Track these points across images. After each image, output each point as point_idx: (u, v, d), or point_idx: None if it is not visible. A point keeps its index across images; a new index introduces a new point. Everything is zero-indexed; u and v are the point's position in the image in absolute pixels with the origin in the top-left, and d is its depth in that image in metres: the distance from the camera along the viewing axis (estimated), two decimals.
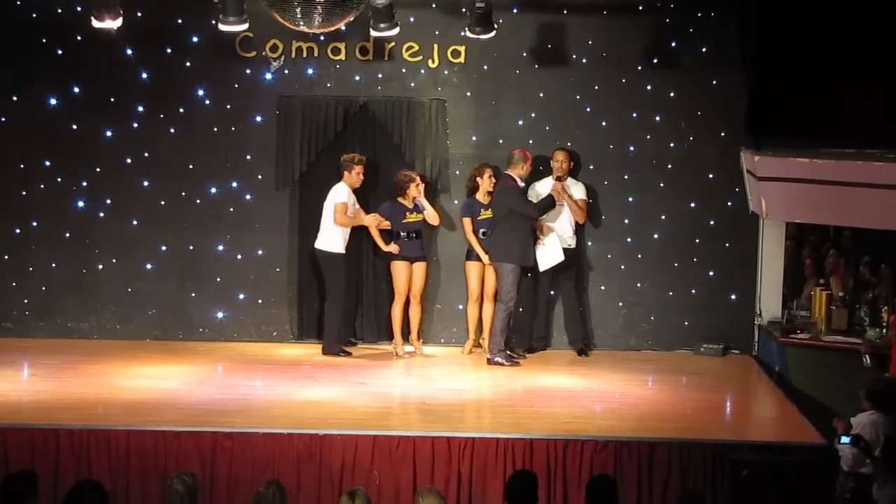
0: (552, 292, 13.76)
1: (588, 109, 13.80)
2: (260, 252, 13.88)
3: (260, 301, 13.94)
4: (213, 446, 10.48)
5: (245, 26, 12.71)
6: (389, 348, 13.59)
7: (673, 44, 13.69)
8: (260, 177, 13.81)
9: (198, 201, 13.81)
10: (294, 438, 10.51)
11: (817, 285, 13.74)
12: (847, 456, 9.59)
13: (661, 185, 13.79)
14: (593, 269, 13.93)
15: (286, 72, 13.70)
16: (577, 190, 13.57)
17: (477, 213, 13.39)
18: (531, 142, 13.73)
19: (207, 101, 13.74)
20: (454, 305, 13.74)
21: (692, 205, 13.84)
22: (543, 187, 13.50)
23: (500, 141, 13.83)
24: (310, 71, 13.72)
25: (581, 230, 13.75)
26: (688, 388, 12.55)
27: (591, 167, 13.83)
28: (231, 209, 13.84)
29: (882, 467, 9.31)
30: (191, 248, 13.86)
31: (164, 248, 13.84)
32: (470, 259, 13.47)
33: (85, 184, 13.76)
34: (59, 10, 13.46)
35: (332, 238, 13.14)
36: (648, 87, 13.76)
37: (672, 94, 13.75)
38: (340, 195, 13.10)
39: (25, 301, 13.84)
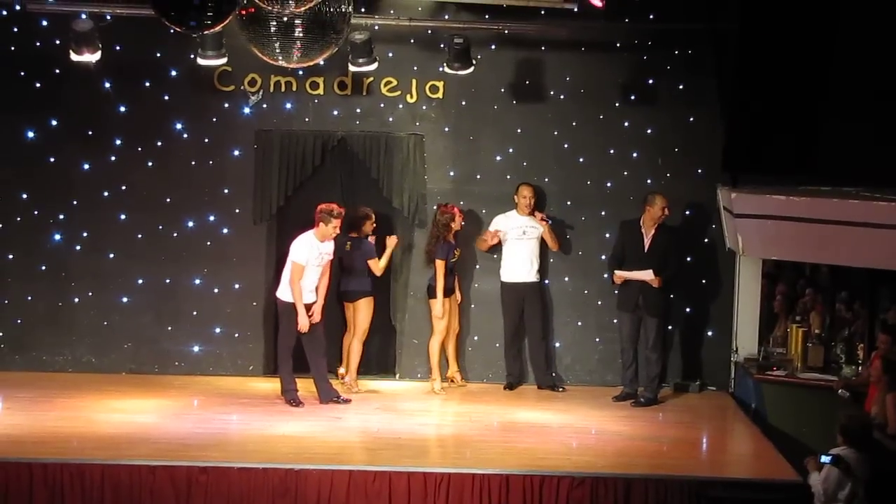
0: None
1: (566, 145, 13.85)
2: (237, 286, 13.85)
3: (236, 335, 13.91)
4: (188, 481, 10.44)
5: (223, 60, 12.81)
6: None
7: (650, 81, 13.76)
8: (237, 211, 13.80)
9: (175, 235, 13.78)
10: (269, 473, 10.48)
11: (794, 322, 13.77)
12: (819, 492, 9.61)
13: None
14: (570, 304, 13.94)
15: (264, 106, 13.72)
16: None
17: (452, 257, 13.41)
18: (508, 177, 13.79)
19: (185, 135, 13.74)
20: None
21: None
22: (509, 220, 13.57)
23: (478, 176, 13.88)
24: (288, 105, 13.74)
25: (556, 265, 13.78)
26: (664, 424, 12.56)
27: (569, 203, 13.87)
28: (208, 243, 13.82)
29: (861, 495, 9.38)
30: (167, 281, 13.82)
31: (140, 281, 13.80)
32: (435, 296, 13.39)
33: (62, 217, 13.73)
34: (38, 44, 13.45)
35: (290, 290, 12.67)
36: (626, 124, 13.82)
37: (649, 131, 13.81)
38: (299, 254, 12.58)
39: (0, 334, 13.77)
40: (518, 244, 13.54)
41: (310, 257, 12.59)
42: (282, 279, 12.76)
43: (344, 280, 13.27)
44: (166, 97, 13.67)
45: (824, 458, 9.57)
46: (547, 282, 13.82)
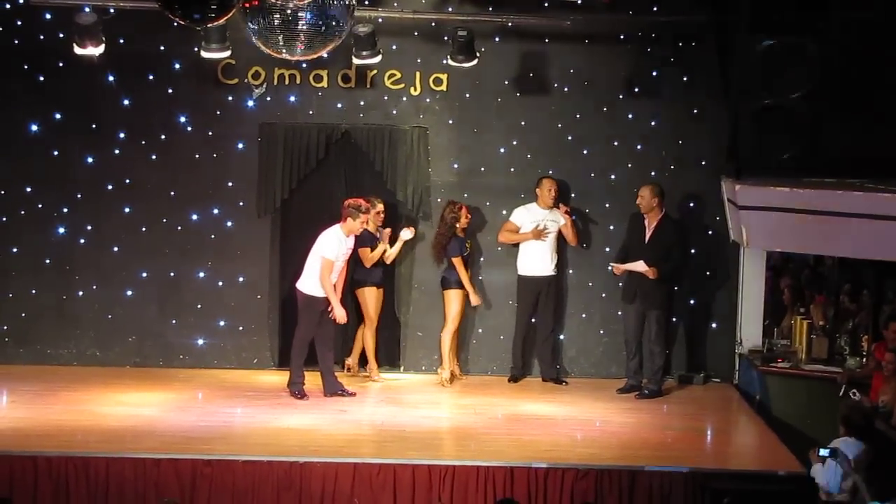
0: (533, 320, 13.75)
1: (570, 138, 13.83)
2: (241, 279, 13.85)
3: (241, 328, 13.90)
4: (192, 474, 10.46)
5: (227, 53, 12.79)
6: (364, 373, 13.60)
7: (654, 73, 13.74)
8: (241, 204, 13.79)
9: (179, 228, 13.78)
10: (274, 466, 10.50)
11: (798, 314, 13.77)
12: (823, 483, 9.62)
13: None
14: (574, 297, 13.93)
15: (268, 99, 13.70)
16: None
17: (465, 251, 13.40)
18: (513, 170, 13.79)
19: (189, 128, 13.73)
20: (435, 333, 13.68)
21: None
22: (530, 213, 13.53)
23: (482, 169, 13.86)
24: (292, 98, 13.73)
25: (560, 257, 13.77)
26: (669, 416, 12.56)
27: (573, 195, 13.86)
28: (212, 236, 13.82)
29: (862, 488, 9.38)
30: (171, 274, 13.82)
31: (144, 274, 13.80)
32: (451, 287, 13.41)
33: (66, 210, 13.73)
34: (41, 37, 13.45)
35: (314, 283, 12.66)
36: (630, 116, 13.80)
37: (653, 123, 13.79)
38: (329, 250, 12.59)
39: (5, 327, 13.78)
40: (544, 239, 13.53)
41: (338, 253, 12.62)
42: (305, 272, 12.71)
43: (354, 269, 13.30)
44: (170, 90, 13.66)
45: (822, 452, 9.57)
46: (555, 273, 13.77)
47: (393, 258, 13.40)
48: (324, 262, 12.54)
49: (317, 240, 12.69)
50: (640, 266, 13.06)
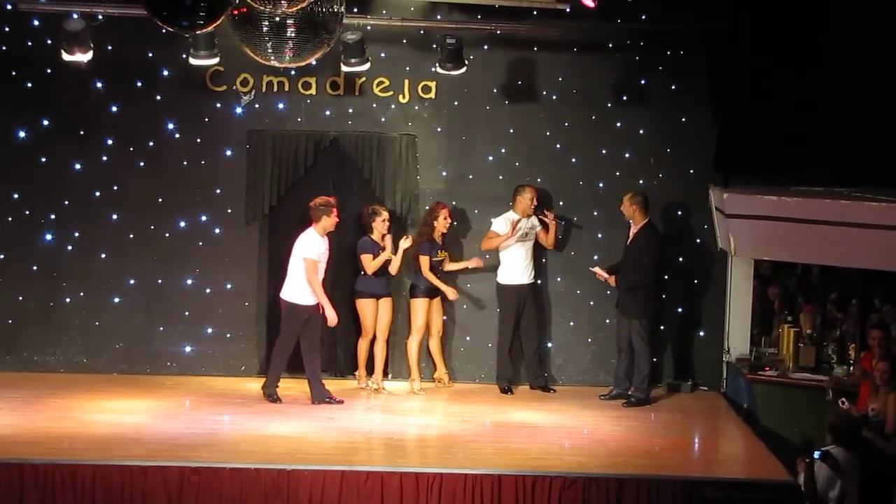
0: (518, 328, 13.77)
1: (558, 146, 13.85)
2: (229, 286, 13.83)
3: (228, 335, 13.89)
4: (179, 481, 10.43)
5: (216, 60, 12.80)
6: (354, 383, 13.56)
7: (642, 81, 13.76)
8: (229, 211, 13.78)
9: (167, 235, 13.76)
10: (261, 473, 10.47)
11: (786, 322, 13.79)
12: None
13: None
14: (562, 305, 13.94)
15: (257, 106, 13.70)
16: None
17: (435, 254, 13.40)
18: (501, 178, 13.79)
19: (177, 135, 13.71)
20: (423, 341, 13.66)
21: None
22: (510, 223, 13.50)
23: (471, 176, 13.87)
24: (280, 105, 13.73)
25: (548, 265, 13.78)
26: (656, 424, 12.56)
27: (561, 203, 13.87)
28: (200, 243, 13.80)
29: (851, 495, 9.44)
30: (159, 281, 13.80)
31: (132, 281, 13.78)
32: (416, 296, 13.44)
33: (53, 217, 13.70)
34: (29, 44, 13.43)
35: (297, 291, 12.67)
36: (618, 124, 13.82)
37: (641, 131, 13.81)
38: (310, 250, 12.63)
39: None
40: (517, 246, 13.51)
41: (320, 251, 12.62)
42: (287, 280, 12.71)
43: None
44: (158, 97, 13.65)
45: (815, 454, 9.61)
46: (539, 282, 13.81)
47: (398, 268, 13.37)
48: (308, 264, 12.53)
49: (294, 246, 12.70)
50: (598, 270, 13.31)
